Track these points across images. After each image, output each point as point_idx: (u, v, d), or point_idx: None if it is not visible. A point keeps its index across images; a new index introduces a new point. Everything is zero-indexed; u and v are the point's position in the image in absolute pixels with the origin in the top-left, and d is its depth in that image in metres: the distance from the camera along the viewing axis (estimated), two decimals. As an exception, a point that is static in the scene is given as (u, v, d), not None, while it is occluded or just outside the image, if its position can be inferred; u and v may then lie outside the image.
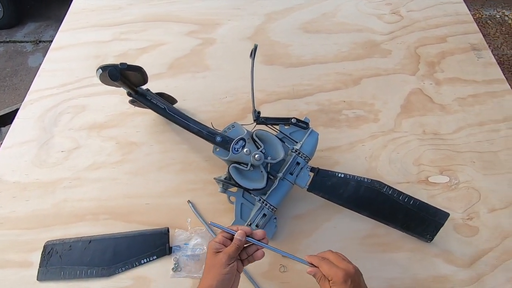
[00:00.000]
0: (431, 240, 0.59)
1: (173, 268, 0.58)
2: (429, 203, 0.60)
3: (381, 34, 0.92)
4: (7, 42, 2.37)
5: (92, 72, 0.88)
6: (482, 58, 0.86)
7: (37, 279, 0.59)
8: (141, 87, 0.67)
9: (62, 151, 0.75)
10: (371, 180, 0.60)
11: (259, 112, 0.65)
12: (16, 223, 0.66)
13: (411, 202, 0.58)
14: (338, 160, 0.71)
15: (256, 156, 0.57)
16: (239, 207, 0.60)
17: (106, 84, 0.63)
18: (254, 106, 0.64)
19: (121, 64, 0.55)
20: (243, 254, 0.49)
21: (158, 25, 0.97)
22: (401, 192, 0.59)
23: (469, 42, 0.90)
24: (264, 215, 0.58)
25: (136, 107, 0.75)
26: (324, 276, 0.46)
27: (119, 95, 0.83)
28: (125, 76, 0.58)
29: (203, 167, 0.70)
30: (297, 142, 0.63)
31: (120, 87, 0.63)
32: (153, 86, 0.80)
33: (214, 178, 0.61)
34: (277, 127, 0.65)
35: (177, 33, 0.95)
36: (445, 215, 0.58)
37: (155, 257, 0.59)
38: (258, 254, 0.49)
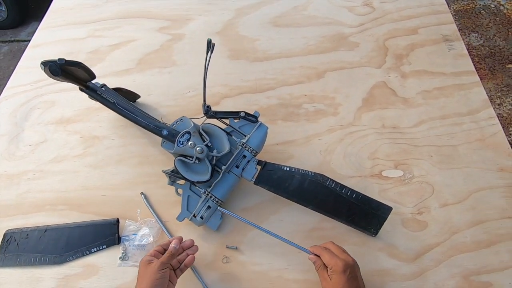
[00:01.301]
0: (376, 234, 0.59)
1: (120, 257, 0.60)
2: (379, 197, 0.60)
3: (350, 26, 0.90)
4: (12, 41, 2.46)
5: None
6: (454, 50, 0.84)
7: (-5, 265, 0.62)
8: (96, 82, 0.69)
9: (30, 145, 0.78)
10: (315, 173, 0.60)
11: (208, 106, 0.66)
12: (-16, 213, 0.69)
13: (353, 196, 0.58)
14: (293, 154, 0.71)
15: (198, 149, 0.58)
16: (185, 199, 0.61)
17: (55, 80, 0.64)
18: (204, 100, 0.65)
19: (59, 59, 0.57)
20: (176, 263, 0.52)
21: (131, 21, 0.99)
22: (343, 185, 0.58)
23: (442, 33, 0.87)
24: (209, 207, 0.59)
25: (97, 102, 0.77)
26: (324, 265, 0.50)
27: (87, 90, 0.85)
28: (67, 71, 0.59)
29: (160, 161, 0.72)
30: (246, 136, 0.64)
31: (67, 82, 0.64)
32: (120, 81, 0.82)
33: (162, 171, 0.62)
34: (227, 121, 0.66)
35: (149, 29, 0.96)
36: (388, 209, 0.57)
37: (104, 246, 0.61)
38: (190, 260, 0.53)
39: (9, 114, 0.84)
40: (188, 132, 0.61)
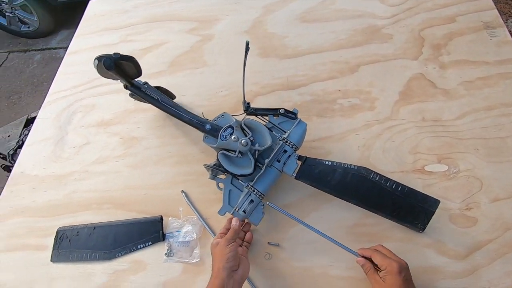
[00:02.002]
0: (423, 229, 0.57)
1: (166, 253, 0.62)
2: (423, 192, 0.57)
3: (382, 18, 0.88)
4: (43, 49, 2.59)
5: (100, 73, 0.94)
6: (496, 37, 0.79)
7: (51, 260, 0.66)
8: (139, 80, 0.71)
9: (74, 147, 0.82)
10: (358, 167, 0.59)
11: (248, 103, 0.66)
12: (35, 212, 0.74)
13: (399, 189, 0.56)
14: (330, 150, 0.70)
15: (243, 141, 0.58)
16: (227, 193, 0.62)
17: (104, 76, 0.67)
18: (244, 97, 0.66)
19: (114, 54, 0.59)
20: (238, 242, 0.56)
21: (161, 24, 1.01)
22: (388, 178, 0.57)
23: (482, 20, 0.82)
24: (252, 201, 0.59)
25: (135, 100, 0.79)
26: (374, 268, 0.49)
27: (124, 94, 0.88)
28: (119, 66, 0.61)
29: (198, 159, 0.73)
30: (285, 132, 0.64)
31: (116, 79, 0.67)
32: (154, 82, 0.84)
33: (204, 165, 0.63)
34: (267, 118, 0.66)
35: (178, 32, 0.98)
36: (436, 202, 0.55)
37: (150, 243, 0.64)
38: (249, 236, 0.59)
39: (53, 119, 0.88)
40: (231, 127, 0.61)
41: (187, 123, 0.67)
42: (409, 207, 0.56)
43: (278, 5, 0.97)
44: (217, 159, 0.61)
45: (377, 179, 0.58)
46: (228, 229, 0.56)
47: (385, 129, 0.70)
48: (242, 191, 0.61)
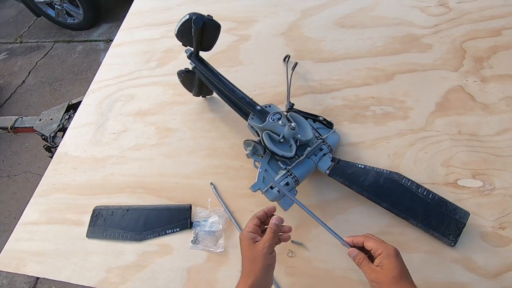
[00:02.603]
0: (455, 243, 0.56)
1: (192, 241, 0.65)
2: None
3: (422, 27, 0.87)
4: (85, 41, 2.76)
5: (141, 66, 1.00)
6: (545, 53, 0.76)
7: (86, 236, 0.71)
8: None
9: (113, 133, 0.87)
10: (390, 171, 0.60)
11: (292, 104, 0.71)
12: (75, 190, 0.80)
13: (430, 196, 0.56)
14: (360, 156, 0.70)
15: (292, 124, 0.60)
16: (262, 171, 0.62)
17: (177, 37, 0.68)
18: (288, 98, 0.71)
19: (208, 15, 0.63)
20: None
21: (201, 23, 1.05)
22: (419, 184, 0.57)
23: (530, 35, 0.79)
24: (287, 183, 0.60)
25: (179, 81, 0.81)
26: (367, 259, 0.45)
27: (162, 86, 0.93)
28: (204, 29, 0.64)
29: (227, 154, 0.76)
30: (321, 136, 0.66)
31: (187, 44, 0.69)
32: (190, 79, 0.87)
33: (245, 140, 0.64)
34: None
35: (217, 30, 1.02)
36: (466, 214, 0.54)
37: (178, 229, 0.67)
38: (286, 237, 0.51)
39: (96, 105, 0.95)
40: (280, 113, 0.63)
41: (239, 101, 0.68)
42: (440, 216, 0.56)
43: (317, 9, 0.98)
44: (261, 137, 0.62)
45: (408, 184, 0.58)
46: (261, 221, 0.50)
47: (418, 139, 0.69)
48: (277, 174, 0.62)
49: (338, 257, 0.59)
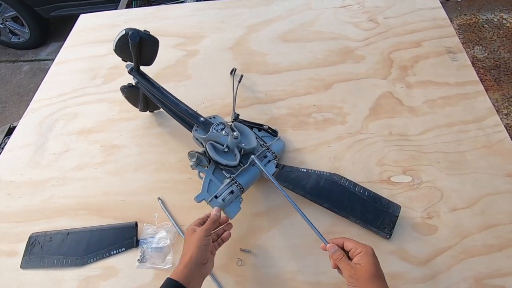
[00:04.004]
0: (390, 235, 0.60)
1: (138, 260, 0.63)
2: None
3: (356, 41, 0.95)
4: (33, 60, 2.60)
5: (86, 83, 0.97)
6: (457, 61, 0.87)
7: (20, 267, 0.65)
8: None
9: (54, 154, 0.82)
10: (330, 173, 0.63)
11: (238, 114, 0.73)
12: (9, 217, 0.73)
13: (366, 193, 0.61)
14: (304, 160, 0.73)
15: (235, 133, 0.61)
16: (207, 182, 0.63)
17: (116, 53, 0.68)
18: (234, 109, 0.72)
19: (145, 30, 0.63)
20: (214, 237, 0.55)
21: (149, 39, 1.06)
22: (356, 183, 0.61)
23: (445, 46, 0.90)
24: (232, 192, 0.60)
25: (124, 97, 0.80)
26: (345, 256, 0.46)
27: (108, 103, 0.90)
28: (142, 44, 0.64)
29: (175, 167, 0.75)
30: (266, 143, 0.69)
31: (126, 59, 0.69)
32: (137, 94, 0.86)
33: (189, 152, 0.64)
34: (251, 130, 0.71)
35: (165, 46, 1.02)
36: (398, 208, 0.59)
37: (123, 248, 0.64)
38: (226, 235, 0.57)
39: (35, 126, 0.89)
40: (223, 123, 0.64)
41: (182, 113, 0.69)
42: (376, 212, 0.60)
43: (262, 25, 1.04)
44: (205, 148, 0.63)
45: (347, 184, 0.62)
46: (205, 221, 0.55)
47: (355, 142, 0.75)
48: (222, 183, 0.62)
49: (285, 261, 0.61)
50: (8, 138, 1.34)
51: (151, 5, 1.41)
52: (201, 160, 0.64)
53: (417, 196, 0.65)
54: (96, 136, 0.84)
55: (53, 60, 2.68)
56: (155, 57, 0.69)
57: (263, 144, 0.69)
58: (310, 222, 0.53)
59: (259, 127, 0.74)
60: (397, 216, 0.60)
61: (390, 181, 0.68)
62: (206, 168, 0.64)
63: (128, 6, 1.52)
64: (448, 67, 0.86)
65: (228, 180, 0.61)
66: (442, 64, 0.87)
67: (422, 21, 0.97)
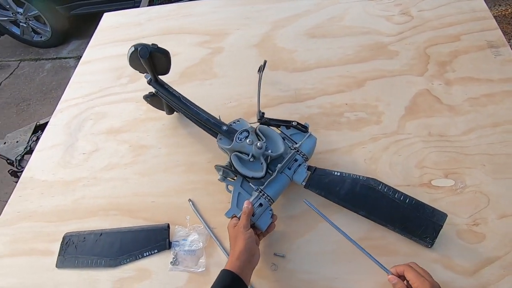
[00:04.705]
0: (432, 244, 0.57)
1: (171, 262, 0.62)
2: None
3: (388, 35, 0.90)
4: (54, 58, 2.66)
5: (112, 82, 0.97)
6: (500, 56, 0.81)
7: (56, 266, 0.66)
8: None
9: (83, 153, 0.83)
10: (367, 178, 0.60)
11: (263, 113, 0.69)
12: (42, 217, 0.74)
13: (406, 201, 0.57)
14: (337, 162, 0.71)
15: (258, 144, 0.59)
16: (236, 195, 0.62)
17: (133, 67, 0.67)
18: (259, 107, 0.68)
19: (152, 44, 0.61)
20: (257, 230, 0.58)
21: (173, 37, 1.05)
22: (396, 190, 0.58)
23: (486, 40, 0.85)
24: (261, 204, 0.59)
25: (148, 103, 0.80)
26: (405, 286, 0.48)
27: (134, 102, 0.90)
28: (152, 58, 0.63)
29: (204, 169, 0.74)
30: (296, 143, 0.65)
31: (143, 71, 0.68)
32: (163, 93, 0.85)
33: (215, 166, 0.63)
34: (279, 129, 0.68)
35: (189, 44, 1.01)
36: (443, 216, 0.55)
37: (156, 250, 0.64)
38: (271, 227, 0.59)
39: (64, 125, 0.90)
40: (247, 131, 0.62)
41: (204, 123, 0.67)
42: (417, 220, 0.56)
43: (288, 20, 1.00)
44: (230, 160, 0.61)
45: (385, 190, 0.58)
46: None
47: (392, 143, 0.71)
48: (251, 195, 0.61)
49: (321, 267, 0.59)
50: (35, 135, 1.37)
51: (172, 2, 1.40)
52: (228, 173, 0.62)
53: (461, 201, 0.62)
54: (124, 136, 0.84)
55: (74, 57, 2.74)
56: (170, 66, 0.67)
57: (292, 146, 0.65)
58: (370, 255, 0.52)
59: (287, 124, 0.70)
60: (442, 225, 0.56)
61: (431, 185, 0.64)
62: (233, 180, 0.63)
63: (150, 3, 1.51)
64: (490, 62, 0.80)
65: (256, 193, 0.60)
66: (483, 59, 0.81)
67: (460, 13, 0.91)
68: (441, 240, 0.57)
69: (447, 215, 0.55)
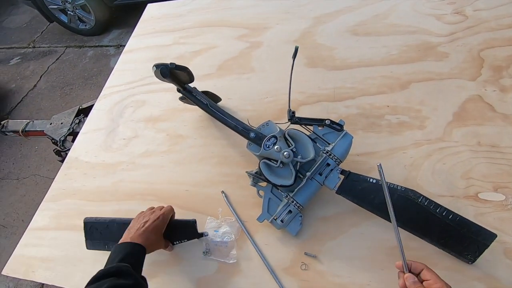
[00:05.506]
0: (473, 261, 0.53)
1: (204, 252, 0.64)
2: (475, 221, 0.54)
3: (438, 35, 0.85)
4: (96, 46, 2.80)
5: (153, 72, 1.00)
6: None
7: (87, 248, 0.68)
8: (189, 84, 0.75)
9: (124, 139, 0.87)
10: (405, 188, 0.57)
11: (293, 112, 0.67)
12: (85, 196, 0.79)
13: (450, 217, 0.54)
14: (374, 166, 0.68)
15: (285, 153, 0.59)
16: (266, 201, 0.62)
17: (160, 80, 0.71)
18: (289, 106, 0.67)
19: (170, 64, 0.63)
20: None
21: (212, 29, 1.06)
22: (438, 204, 0.54)
23: (551, 44, 0.77)
24: (290, 211, 0.60)
25: (185, 103, 0.84)
26: (421, 284, 0.46)
27: (173, 92, 0.92)
28: (174, 74, 0.65)
29: (238, 162, 0.75)
30: (329, 144, 0.63)
31: (171, 83, 0.71)
32: (202, 84, 0.88)
33: (246, 172, 0.65)
34: (311, 127, 0.66)
35: (228, 37, 1.02)
36: (491, 236, 0.52)
37: (186, 239, 0.65)
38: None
39: (107, 111, 0.95)
40: (275, 136, 0.62)
41: (232, 129, 0.69)
42: (459, 237, 0.53)
43: (329, 16, 0.98)
44: (259, 167, 0.61)
45: (425, 204, 0.55)
46: None
47: (436, 150, 0.67)
48: (281, 201, 0.62)
49: (353, 272, 0.57)
50: (77, 118, 1.46)
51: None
52: (258, 179, 0.63)
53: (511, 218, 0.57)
54: (162, 125, 0.87)
55: (114, 46, 2.86)
56: (193, 77, 0.70)
57: (324, 149, 0.62)
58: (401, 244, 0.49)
59: (320, 123, 0.66)
60: (488, 245, 0.52)
61: (478, 198, 0.60)
62: (265, 186, 0.63)
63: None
64: (555, 70, 0.73)
65: (286, 200, 0.59)
66: (547, 65, 0.74)
67: (522, 14, 0.84)
68: (486, 257, 0.53)
69: (496, 236, 0.51)
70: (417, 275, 0.47)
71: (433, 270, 0.47)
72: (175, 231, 0.64)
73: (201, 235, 0.64)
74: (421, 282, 0.46)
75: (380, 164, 0.49)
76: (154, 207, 0.65)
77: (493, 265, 0.54)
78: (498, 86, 0.73)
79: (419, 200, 0.55)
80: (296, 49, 0.68)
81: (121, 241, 0.57)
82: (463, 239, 0.53)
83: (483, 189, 0.61)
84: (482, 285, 0.53)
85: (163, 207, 0.64)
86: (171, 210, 0.64)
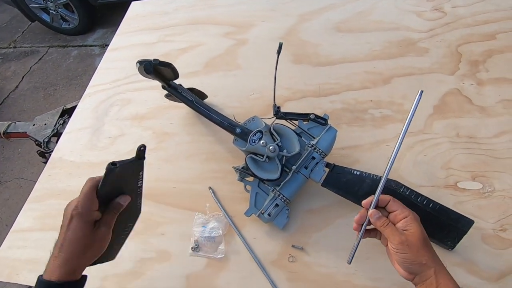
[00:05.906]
0: (453, 248, 0.55)
1: (192, 248, 0.64)
2: (455, 209, 0.56)
3: (419, 32, 0.88)
4: (80, 46, 2.74)
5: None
6: (539, 57, 0.77)
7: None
8: (174, 81, 0.75)
9: (109, 137, 0.86)
10: (388, 179, 0.58)
11: (279, 107, 0.67)
12: (70, 195, 0.76)
13: (430, 205, 0.55)
14: (359, 158, 0.70)
15: (271, 148, 0.60)
16: (254, 196, 0.63)
17: (144, 76, 0.71)
18: (274, 101, 0.68)
19: (154, 60, 0.63)
20: None
21: (198, 27, 1.06)
22: (419, 193, 0.56)
23: (524, 39, 0.81)
24: (277, 205, 0.60)
25: (170, 101, 0.83)
26: (390, 221, 0.43)
27: (159, 90, 0.91)
28: (158, 71, 0.65)
29: (225, 158, 0.75)
30: (314, 138, 0.65)
31: (155, 79, 0.71)
32: (189, 82, 0.87)
33: (233, 167, 0.65)
34: (296, 122, 0.67)
35: (214, 35, 1.02)
36: (469, 222, 0.54)
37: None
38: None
39: (92, 110, 0.93)
40: (260, 131, 0.63)
41: (218, 125, 0.69)
42: (440, 225, 0.55)
43: (314, 14, 0.99)
44: (245, 162, 0.62)
45: (407, 193, 0.57)
46: None
47: (417, 142, 0.70)
48: (268, 195, 0.62)
49: (339, 262, 0.59)
50: (62, 119, 1.42)
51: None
52: (244, 175, 0.63)
53: (488, 206, 0.60)
54: (149, 123, 0.86)
55: (99, 45, 2.81)
56: (177, 74, 0.70)
57: (309, 143, 0.63)
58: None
59: (304, 117, 0.67)
60: (466, 231, 0.54)
61: (457, 187, 0.63)
62: (252, 180, 0.64)
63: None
64: (528, 64, 0.77)
65: (272, 194, 0.60)
66: (520, 59, 0.77)
67: (496, 11, 0.87)
68: (465, 243, 0.56)
69: (473, 222, 0.53)
70: (384, 209, 0.46)
71: (399, 201, 0.45)
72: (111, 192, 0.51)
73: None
74: (387, 217, 0.44)
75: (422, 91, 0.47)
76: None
77: (471, 250, 0.56)
78: (475, 80, 0.76)
79: (401, 190, 0.57)
80: (280, 45, 0.69)
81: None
82: (443, 226, 0.55)
83: (462, 178, 0.63)
84: (462, 270, 0.55)
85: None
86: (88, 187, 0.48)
